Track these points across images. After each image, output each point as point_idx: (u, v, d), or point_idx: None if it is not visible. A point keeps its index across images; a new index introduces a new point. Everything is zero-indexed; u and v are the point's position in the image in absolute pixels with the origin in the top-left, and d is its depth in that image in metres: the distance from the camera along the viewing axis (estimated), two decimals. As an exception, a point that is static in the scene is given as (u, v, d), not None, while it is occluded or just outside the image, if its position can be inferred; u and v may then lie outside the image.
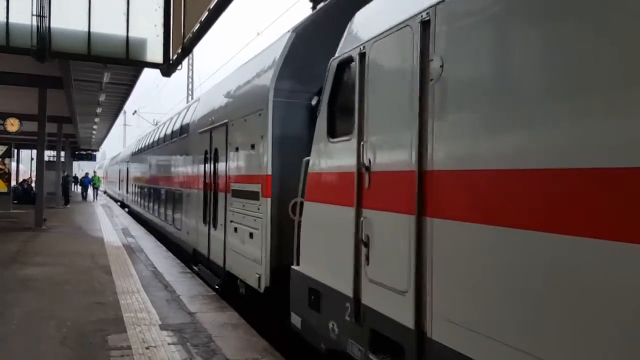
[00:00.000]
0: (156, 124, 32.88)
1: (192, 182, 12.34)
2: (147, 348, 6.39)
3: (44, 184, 21.24)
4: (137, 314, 7.96)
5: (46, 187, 22.73)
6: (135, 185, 25.90)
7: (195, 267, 11.82)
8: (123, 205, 34.01)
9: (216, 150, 10.15)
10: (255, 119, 7.79)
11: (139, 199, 23.66)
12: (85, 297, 8.93)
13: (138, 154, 24.75)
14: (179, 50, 11.69)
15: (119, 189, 37.26)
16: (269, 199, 7.35)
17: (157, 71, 13.09)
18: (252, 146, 7.95)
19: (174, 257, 13.60)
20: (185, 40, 11.13)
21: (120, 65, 15.26)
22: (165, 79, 22.84)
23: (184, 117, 14.16)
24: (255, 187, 7.76)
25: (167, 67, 12.39)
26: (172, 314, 8.06)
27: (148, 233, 19.03)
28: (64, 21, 12.49)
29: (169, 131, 16.29)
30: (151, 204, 19.38)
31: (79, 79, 18.77)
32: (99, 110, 26.48)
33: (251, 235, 7.92)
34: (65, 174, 37.08)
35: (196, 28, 10.16)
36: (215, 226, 10.11)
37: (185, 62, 37.30)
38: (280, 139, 7.29)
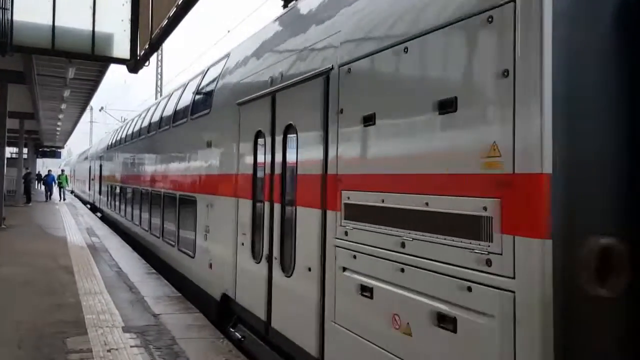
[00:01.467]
0: (124, 121, 30.30)
1: (217, 185, 7.99)
2: (108, 351, 6.22)
3: (4, 181, 20.59)
4: (99, 315, 7.75)
5: (7, 185, 22.04)
6: (112, 187, 21.04)
7: (232, 330, 7.09)
8: (94, 209, 28.88)
9: (291, 128, 5.60)
10: (480, 32, 3.14)
11: (117, 204, 19.13)
12: (45, 299, 8.66)
13: (116, 147, 20.05)
14: (147, 47, 11.46)
15: (89, 189, 32.06)
16: (541, 241, 2.75)
17: (124, 67, 12.81)
18: (463, 104, 3.25)
19: (139, 257, 13.33)
20: (153, 36, 10.92)
21: (85, 60, 14.88)
22: (134, 75, 22.29)
23: (198, 88, 9.67)
24: (474, 207, 3.10)
25: (135, 64, 12.14)
26: (136, 315, 7.87)
27: (113, 233, 18.61)
28: (28, 14, 12.11)
29: (167, 112, 12.10)
30: (139, 213, 14.74)
31: (42, 73, 18.27)
32: (63, 106, 25.84)
33: (453, 327, 3.21)
34: (28, 171, 36.03)
35: (164, 24, 9.98)
36: (288, 270, 5.52)
37: (153, 59, 36.69)
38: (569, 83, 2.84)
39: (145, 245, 13.67)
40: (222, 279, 7.42)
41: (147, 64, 12.44)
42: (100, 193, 25.57)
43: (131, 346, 6.41)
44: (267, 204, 6.07)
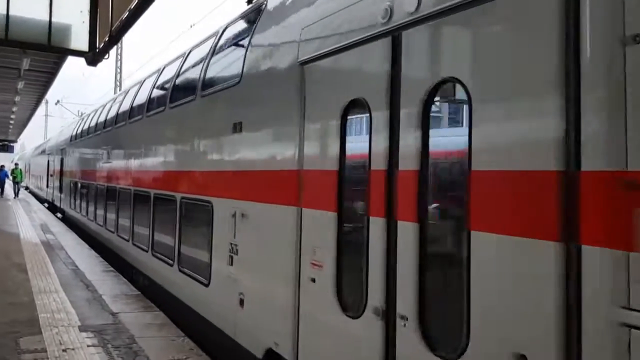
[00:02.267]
0: (81, 115, 27.65)
1: (254, 187, 5.57)
2: (64, 350, 6.05)
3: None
4: (54, 314, 7.52)
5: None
6: (77, 185, 17.96)
7: None
8: (53, 209, 25.68)
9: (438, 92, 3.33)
10: None
11: (85, 206, 16.21)
12: (-3, 297, 8.36)
13: (84, 138, 17.22)
14: (106, 39, 11.17)
15: (47, 186, 28.57)
16: None
17: (82, 60, 12.45)
18: None
19: (96, 255, 13.00)
20: (112, 28, 10.64)
21: (41, 51, 14.40)
22: (92, 68, 21.67)
23: (214, 50, 7.30)
24: None
25: (93, 56, 11.81)
26: (92, 314, 7.68)
27: (69, 229, 18.09)
28: (-21, 2, 11.62)
29: (160, 91, 9.73)
30: (115, 218, 12.19)
31: (-6, 64, 17.56)
32: (17, 98, 24.93)
33: None
34: (-21, 165, 34.51)
35: (125, 16, 9.74)
36: (437, 342, 3.18)
37: (113, 52, 35.82)
38: None
39: (126, 258, 11.10)
40: (267, 326, 5.07)
41: (106, 57, 12.12)
42: (61, 191, 22.65)
43: (88, 345, 6.25)
44: (379, 223, 3.63)
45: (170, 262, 8.10)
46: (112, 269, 11.28)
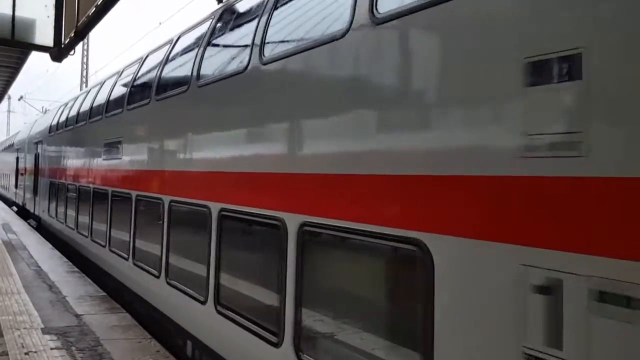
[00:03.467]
0: (45, 112, 26.58)
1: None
2: (26, 354, 5.91)
3: None
4: (16, 317, 7.34)
5: None
6: (60, 186, 14.58)
7: None
8: (24, 214, 21.12)
9: None
10: None
11: (74, 214, 12.87)
12: (-45, 299, 8.10)
13: (71, 128, 13.78)
14: (72, 35, 10.93)
15: (17, 187, 24.22)
16: None
17: (47, 55, 12.15)
18: None
19: (60, 255, 12.71)
20: (79, 24, 10.43)
21: (4, 46, 14.00)
22: (57, 64, 21.07)
23: None
24: None
25: (58, 52, 11.53)
26: (56, 316, 7.52)
27: (32, 229, 17.62)
28: (-62, -6, 11.23)
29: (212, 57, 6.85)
30: (125, 237, 8.86)
31: (-46, 58, 16.98)
32: (-22, 93, 24.17)
33: None
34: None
35: (91, 12, 9.55)
36: None
37: (79, 48, 35.10)
38: None
39: (157, 306, 7.41)
40: None
41: (72, 52, 11.85)
42: (35, 193, 18.60)
43: (51, 348, 6.12)
44: None
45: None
46: (76, 269, 11.05)
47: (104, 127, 10.86)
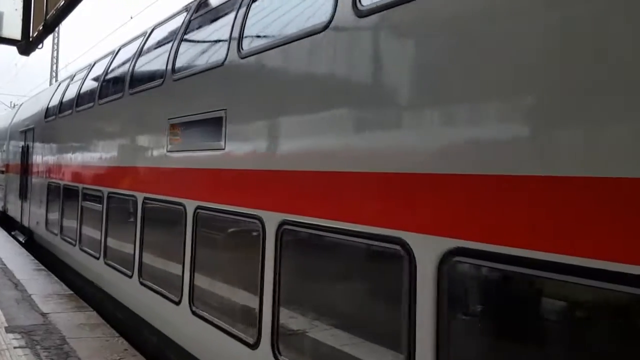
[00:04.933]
0: (14, 107, 24.85)
1: None
2: (-12, 353, 5.78)
3: None
4: (-22, 315, 7.17)
5: None
6: (61, 189, 10.88)
7: None
8: (7, 224, 16.42)
9: None
10: None
11: (87, 233, 9.29)
12: None
13: (75, 113, 10.55)
14: (41, 28, 10.70)
15: None
16: None
17: (14, 48, 11.86)
18: None
19: (27, 253, 12.43)
20: (48, 17, 10.21)
21: (-31, 38, 13.61)
22: (26, 58, 20.45)
23: None
24: None
25: (26, 45, 11.24)
26: (21, 315, 7.36)
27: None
28: None
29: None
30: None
31: None
32: (-58, 87, 23.47)
33: None
34: None
35: (61, 5, 9.36)
36: None
37: (49, 42, 34.23)
38: None
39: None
40: None
41: (40, 46, 11.58)
42: (24, 197, 14.29)
43: (15, 347, 6.00)
44: None
45: None
46: (43, 267, 10.83)
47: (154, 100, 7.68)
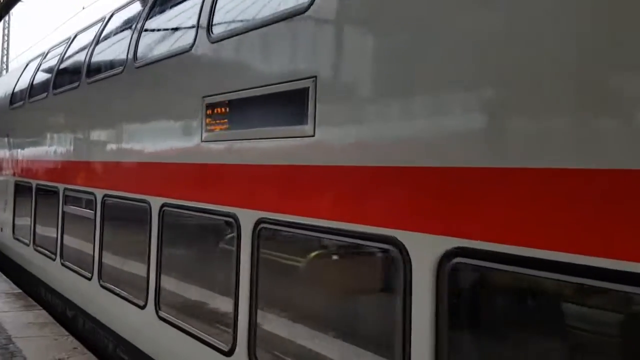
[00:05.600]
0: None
1: None
2: None
3: None
4: None
5: None
6: (33, 190, 9.12)
7: None
8: None
9: None
10: None
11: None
12: None
13: (62, 92, 8.41)
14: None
15: None
16: None
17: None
18: None
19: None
20: (-7, 8, 9.87)
21: None
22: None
23: None
24: None
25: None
26: (-35, 315, 7.14)
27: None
28: None
29: None
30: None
31: None
32: None
33: None
34: None
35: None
36: None
37: (-2, 33, 33.06)
38: None
39: None
40: None
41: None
42: None
43: (-43, 348, 5.83)
44: None
45: None
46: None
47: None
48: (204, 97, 4.55)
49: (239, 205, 4.07)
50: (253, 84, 4.02)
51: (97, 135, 7.18)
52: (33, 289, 8.55)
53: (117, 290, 5.94)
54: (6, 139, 11.07)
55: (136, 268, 5.56)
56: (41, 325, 6.88)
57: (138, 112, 6.06)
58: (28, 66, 10.99)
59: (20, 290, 8.65)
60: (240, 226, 4.02)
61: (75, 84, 7.69)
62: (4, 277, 9.61)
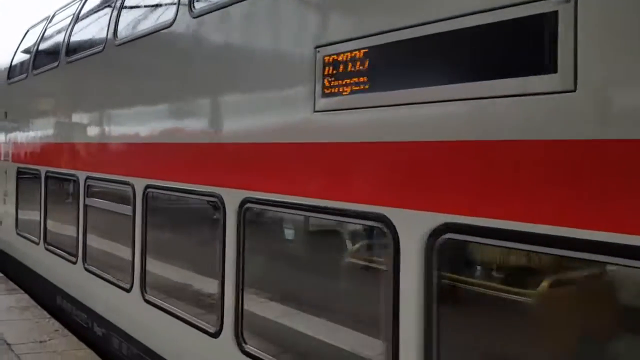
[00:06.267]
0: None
1: None
2: None
3: None
4: None
5: None
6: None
7: None
8: None
9: None
10: None
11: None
12: None
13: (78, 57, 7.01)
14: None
15: None
16: None
17: None
18: None
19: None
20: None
21: None
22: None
23: None
24: None
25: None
26: (-57, 300, 7.13)
27: None
28: None
29: None
30: None
31: None
32: None
33: None
34: None
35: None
36: None
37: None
38: None
39: None
40: None
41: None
42: None
43: (-64, 333, 5.83)
44: None
45: None
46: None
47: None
48: (317, 47, 3.22)
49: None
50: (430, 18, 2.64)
51: (145, 108, 5.58)
52: (46, 295, 7.27)
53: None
54: (4, 119, 9.73)
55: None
56: (22, 308, 6.89)
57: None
58: (27, 34, 9.45)
59: (1, 275, 8.62)
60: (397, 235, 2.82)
61: (100, 47, 6.22)
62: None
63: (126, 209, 5.28)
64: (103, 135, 6.06)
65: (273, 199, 3.49)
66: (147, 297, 5.00)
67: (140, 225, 5.13)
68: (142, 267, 5.11)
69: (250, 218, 3.81)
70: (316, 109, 3.20)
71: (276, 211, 3.69)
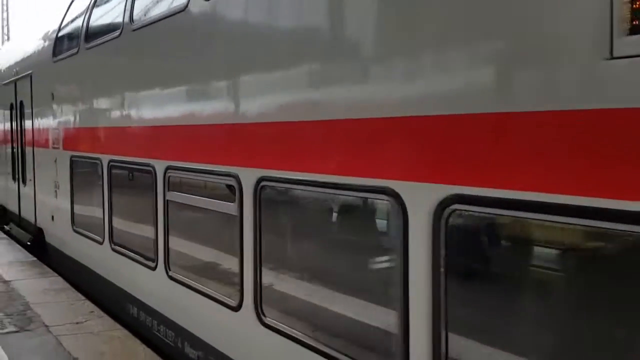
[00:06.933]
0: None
1: None
2: (-53, 323, 5.70)
3: None
4: (-64, 286, 7.03)
5: None
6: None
7: None
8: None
9: None
10: None
11: None
12: None
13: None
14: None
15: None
16: None
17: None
18: None
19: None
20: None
21: None
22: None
23: None
24: None
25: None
26: (-19, 284, 7.25)
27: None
28: None
29: None
30: None
31: None
32: None
33: None
34: None
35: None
36: None
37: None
38: None
39: None
40: None
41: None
42: (20, 179, 10.55)
43: (-24, 315, 5.93)
44: None
45: None
46: (4, 236, 10.60)
47: None
48: None
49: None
50: None
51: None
52: (115, 305, 6.40)
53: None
54: (51, 101, 8.56)
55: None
56: (58, 291, 6.97)
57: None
58: (72, 5, 8.27)
59: (34, 258, 8.74)
60: None
61: (184, 3, 4.80)
62: (19, 246, 9.70)
63: (229, 207, 4.26)
64: (193, 117, 4.78)
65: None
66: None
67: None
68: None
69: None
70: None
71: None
